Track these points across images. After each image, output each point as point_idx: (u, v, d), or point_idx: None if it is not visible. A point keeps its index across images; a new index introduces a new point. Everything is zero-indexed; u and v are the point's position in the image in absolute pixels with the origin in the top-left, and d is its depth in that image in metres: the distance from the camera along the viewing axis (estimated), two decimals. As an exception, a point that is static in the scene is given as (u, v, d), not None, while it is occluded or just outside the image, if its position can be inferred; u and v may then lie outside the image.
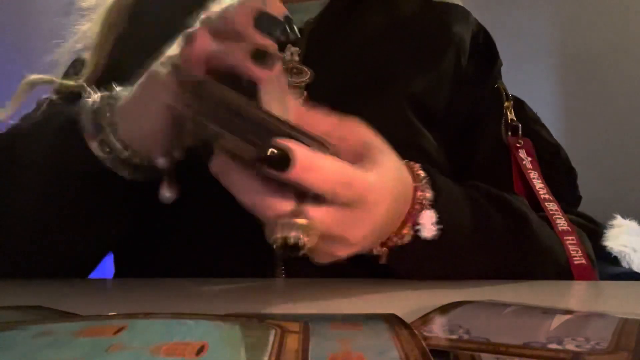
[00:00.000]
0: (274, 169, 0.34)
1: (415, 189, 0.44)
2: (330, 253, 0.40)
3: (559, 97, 2.16)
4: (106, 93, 0.45)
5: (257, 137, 0.35)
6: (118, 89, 0.45)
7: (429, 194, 0.44)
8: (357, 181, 0.37)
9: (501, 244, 0.49)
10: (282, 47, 0.57)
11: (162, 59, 0.42)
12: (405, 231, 0.44)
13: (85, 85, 0.49)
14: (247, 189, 0.37)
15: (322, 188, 0.35)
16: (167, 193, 0.44)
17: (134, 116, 0.43)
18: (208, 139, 0.37)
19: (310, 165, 0.34)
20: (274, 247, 0.35)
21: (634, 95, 2.10)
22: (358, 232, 0.39)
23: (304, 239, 0.35)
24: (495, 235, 0.49)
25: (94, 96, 0.45)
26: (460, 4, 0.65)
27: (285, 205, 0.36)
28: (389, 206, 0.40)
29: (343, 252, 0.40)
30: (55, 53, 0.63)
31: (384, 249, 0.45)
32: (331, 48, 0.58)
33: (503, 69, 0.66)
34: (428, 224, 0.44)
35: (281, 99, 0.38)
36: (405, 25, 0.61)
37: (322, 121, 0.40)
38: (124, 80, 0.46)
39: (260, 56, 0.37)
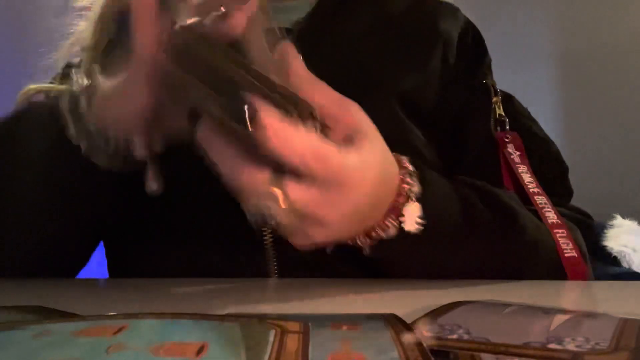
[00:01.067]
0: (240, 125, 0.34)
1: (401, 181, 0.43)
2: (308, 235, 0.39)
3: (558, 97, 2.16)
4: (88, 81, 0.44)
5: (234, 96, 0.34)
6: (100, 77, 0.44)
7: (416, 188, 0.44)
8: (333, 159, 0.36)
9: (489, 239, 0.49)
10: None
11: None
12: (388, 222, 0.43)
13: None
14: (226, 156, 0.37)
15: (291, 157, 0.35)
16: (153, 185, 0.43)
17: (111, 98, 0.42)
18: (195, 103, 0.37)
19: (279, 130, 0.34)
20: (247, 215, 0.35)
21: (633, 95, 2.10)
22: (334, 214, 0.38)
23: (277, 209, 0.35)
24: (483, 230, 0.49)
25: (76, 82, 0.44)
26: (450, 0, 0.65)
27: (262, 174, 0.36)
28: (370, 192, 0.39)
29: (320, 235, 0.39)
30: (53, 55, 0.63)
31: (367, 240, 0.44)
32: (320, 47, 0.58)
33: (502, 69, 0.66)
34: (412, 217, 0.44)
35: (264, 50, 0.38)
36: (393, 24, 0.61)
37: (321, 93, 0.39)
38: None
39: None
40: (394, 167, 0.43)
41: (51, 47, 0.65)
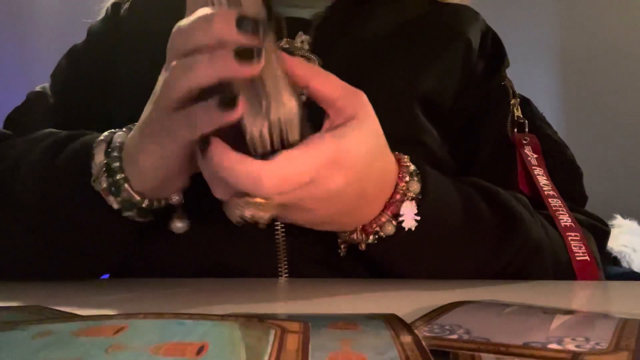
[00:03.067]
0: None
1: (400, 179, 0.44)
2: (294, 219, 0.42)
3: (559, 96, 2.16)
4: (110, 149, 0.44)
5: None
6: (117, 139, 0.44)
7: (414, 186, 0.45)
8: (308, 173, 0.37)
9: (490, 239, 0.49)
10: (292, 35, 0.57)
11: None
12: (384, 219, 0.44)
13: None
14: (205, 168, 0.38)
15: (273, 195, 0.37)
16: (179, 224, 0.46)
17: (149, 167, 0.42)
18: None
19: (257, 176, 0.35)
20: (234, 222, 0.38)
21: (633, 95, 2.10)
22: (320, 209, 0.40)
23: (260, 215, 0.37)
24: (484, 230, 0.49)
25: (100, 150, 0.44)
26: (468, 4, 0.65)
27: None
28: (354, 178, 0.40)
29: (308, 220, 0.42)
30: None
31: (363, 236, 0.45)
32: (338, 40, 0.58)
33: (503, 69, 0.66)
34: (410, 215, 0.44)
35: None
36: (414, 24, 0.61)
37: (330, 87, 0.40)
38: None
39: (245, 54, 0.36)
40: (389, 163, 0.44)
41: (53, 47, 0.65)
